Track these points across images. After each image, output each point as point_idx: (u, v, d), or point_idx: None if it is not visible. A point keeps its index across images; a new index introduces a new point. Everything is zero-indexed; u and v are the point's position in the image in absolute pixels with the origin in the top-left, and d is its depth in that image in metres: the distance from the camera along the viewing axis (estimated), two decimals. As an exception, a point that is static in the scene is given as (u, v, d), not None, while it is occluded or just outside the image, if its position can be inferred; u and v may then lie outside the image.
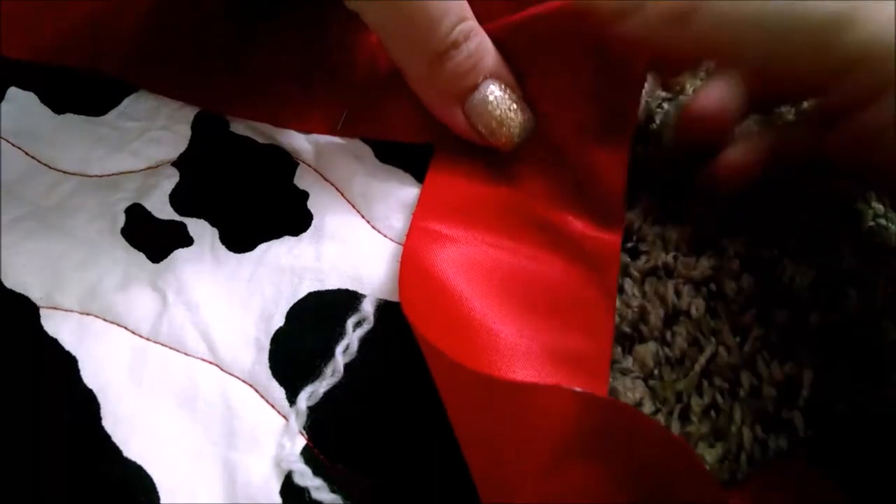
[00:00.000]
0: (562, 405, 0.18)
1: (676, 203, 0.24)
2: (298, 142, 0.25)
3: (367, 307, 0.22)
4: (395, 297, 0.22)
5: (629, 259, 0.23)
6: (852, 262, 0.23)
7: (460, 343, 0.20)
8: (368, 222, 0.24)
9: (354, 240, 0.23)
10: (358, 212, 0.24)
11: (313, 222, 0.24)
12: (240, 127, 0.26)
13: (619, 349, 0.22)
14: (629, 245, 0.23)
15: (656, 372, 0.21)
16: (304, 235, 0.23)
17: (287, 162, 0.25)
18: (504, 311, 0.21)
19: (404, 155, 0.25)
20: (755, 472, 0.20)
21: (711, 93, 0.21)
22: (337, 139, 0.25)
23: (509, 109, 0.23)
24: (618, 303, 0.22)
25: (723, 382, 0.21)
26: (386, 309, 0.22)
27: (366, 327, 0.22)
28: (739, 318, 0.22)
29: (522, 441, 0.18)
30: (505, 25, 0.23)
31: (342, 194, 0.24)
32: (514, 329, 0.21)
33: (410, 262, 0.21)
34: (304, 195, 0.24)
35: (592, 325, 0.21)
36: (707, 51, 0.21)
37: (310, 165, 0.25)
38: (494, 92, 0.22)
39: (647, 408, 0.21)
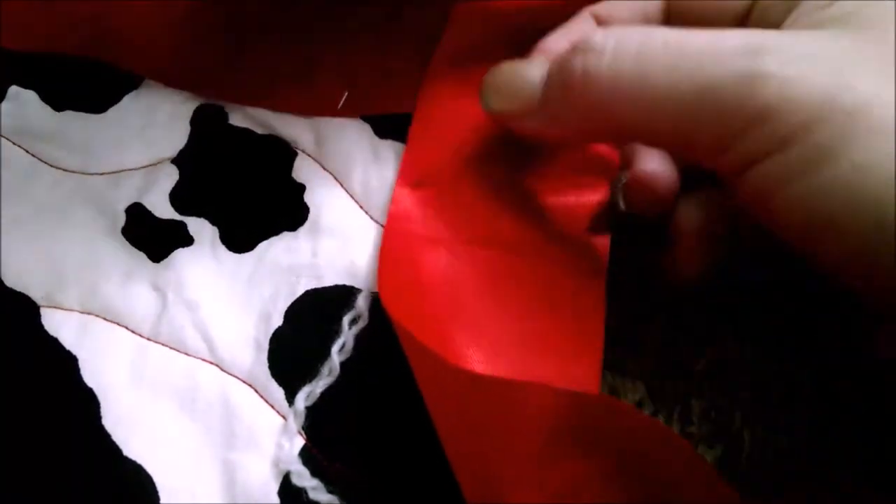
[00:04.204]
0: (546, 403, 0.18)
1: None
2: (298, 129, 0.25)
3: (361, 303, 0.22)
4: None
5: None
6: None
7: (443, 343, 0.20)
8: (366, 213, 0.23)
9: (351, 232, 0.23)
10: (356, 202, 0.24)
11: (310, 216, 0.24)
12: (238, 118, 0.26)
13: (619, 350, 0.22)
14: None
15: (657, 373, 0.21)
16: (301, 230, 0.23)
17: (285, 153, 0.25)
18: (487, 310, 0.21)
19: (403, 128, 0.25)
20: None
21: (647, 162, 0.21)
22: (337, 121, 0.25)
23: None
24: (618, 303, 0.22)
25: (723, 383, 0.21)
26: (380, 303, 0.22)
27: (361, 324, 0.22)
28: (740, 318, 0.22)
29: (506, 439, 0.18)
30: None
31: (341, 184, 0.24)
32: (498, 328, 0.21)
33: (389, 267, 0.21)
34: (301, 188, 0.24)
35: (582, 316, 0.21)
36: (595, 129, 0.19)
37: (309, 154, 0.25)
38: None
39: (648, 409, 0.21)
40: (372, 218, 0.23)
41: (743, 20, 0.19)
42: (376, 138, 0.25)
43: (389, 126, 0.25)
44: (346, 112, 0.25)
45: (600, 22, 0.21)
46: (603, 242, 0.22)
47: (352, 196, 0.24)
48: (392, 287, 0.21)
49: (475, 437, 0.18)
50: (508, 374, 0.19)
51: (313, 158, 0.25)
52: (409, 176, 0.23)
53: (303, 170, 0.25)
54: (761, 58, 0.15)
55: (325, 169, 0.24)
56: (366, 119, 0.25)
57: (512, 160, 0.23)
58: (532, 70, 0.19)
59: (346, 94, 0.25)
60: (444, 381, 0.19)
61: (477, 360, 0.19)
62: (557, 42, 0.21)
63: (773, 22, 0.18)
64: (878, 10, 0.16)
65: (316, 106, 0.25)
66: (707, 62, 0.16)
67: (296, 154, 0.25)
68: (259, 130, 0.25)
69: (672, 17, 0.21)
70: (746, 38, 0.16)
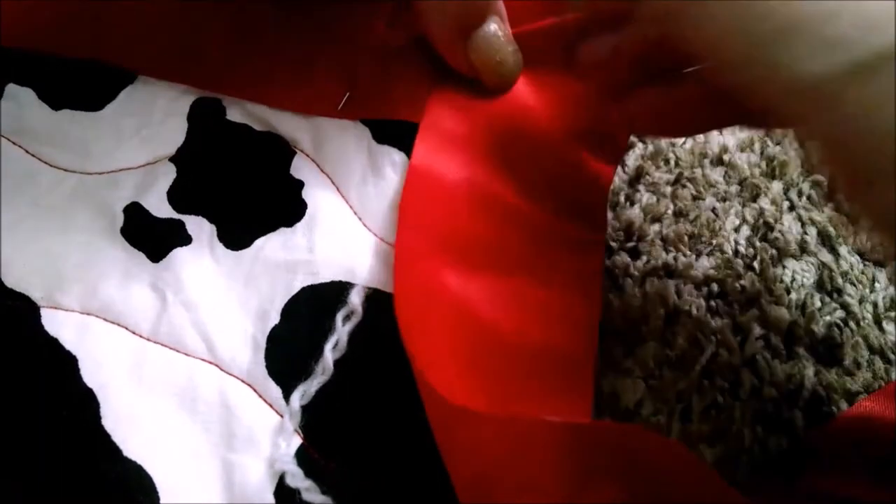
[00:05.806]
0: (560, 438, 0.17)
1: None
2: (296, 128, 0.25)
3: (355, 299, 0.22)
4: (382, 286, 0.22)
5: (629, 259, 0.23)
6: (852, 262, 0.23)
7: (454, 346, 0.20)
8: (364, 223, 0.23)
9: (347, 231, 0.23)
10: (354, 212, 0.24)
11: (308, 211, 0.23)
12: (236, 114, 0.25)
13: (619, 350, 0.22)
14: (629, 245, 0.23)
15: (657, 372, 0.21)
16: (298, 226, 0.23)
17: (284, 151, 0.25)
18: (490, 316, 0.21)
19: (402, 135, 0.24)
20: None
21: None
22: (336, 122, 0.25)
23: (508, 48, 0.24)
24: (618, 302, 0.22)
25: (723, 382, 0.21)
26: (374, 298, 0.22)
27: (354, 321, 0.21)
28: (740, 317, 0.22)
29: (522, 477, 0.18)
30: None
31: (338, 189, 0.24)
32: (504, 327, 0.21)
33: (404, 274, 0.21)
34: (300, 184, 0.24)
35: (577, 321, 0.21)
36: None
37: (307, 154, 0.25)
38: (497, 30, 0.23)
39: (648, 408, 0.21)
40: (369, 229, 0.23)
41: None
42: (374, 143, 0.24)
43: (389, 131, 0.24)
44: (346, 114, 0.25)
45: None
46: (598, 246, 0.22)
47: (349, 206, 0.24)
48: (408, 318, 0.20)
49: (488, 474, 0.18)
50: (507, 388, 0.19)
51: (311, 159, 0.25)
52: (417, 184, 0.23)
53: (301, 169, 0.24)
54: None
55: (322, 171, 0.24)
56: (365, 122, 0.25)
57: (508, 179, 0.24)
58: None
59: (347, 94, 0.25)
60: (453, 420, 0.19)
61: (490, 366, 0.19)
62: None
63: None
64: None
65: (315, 105, 0.25)
66: None
67: (294, 153, 0.25)
68: (257, 127, 0.25)
69: None
70: None
